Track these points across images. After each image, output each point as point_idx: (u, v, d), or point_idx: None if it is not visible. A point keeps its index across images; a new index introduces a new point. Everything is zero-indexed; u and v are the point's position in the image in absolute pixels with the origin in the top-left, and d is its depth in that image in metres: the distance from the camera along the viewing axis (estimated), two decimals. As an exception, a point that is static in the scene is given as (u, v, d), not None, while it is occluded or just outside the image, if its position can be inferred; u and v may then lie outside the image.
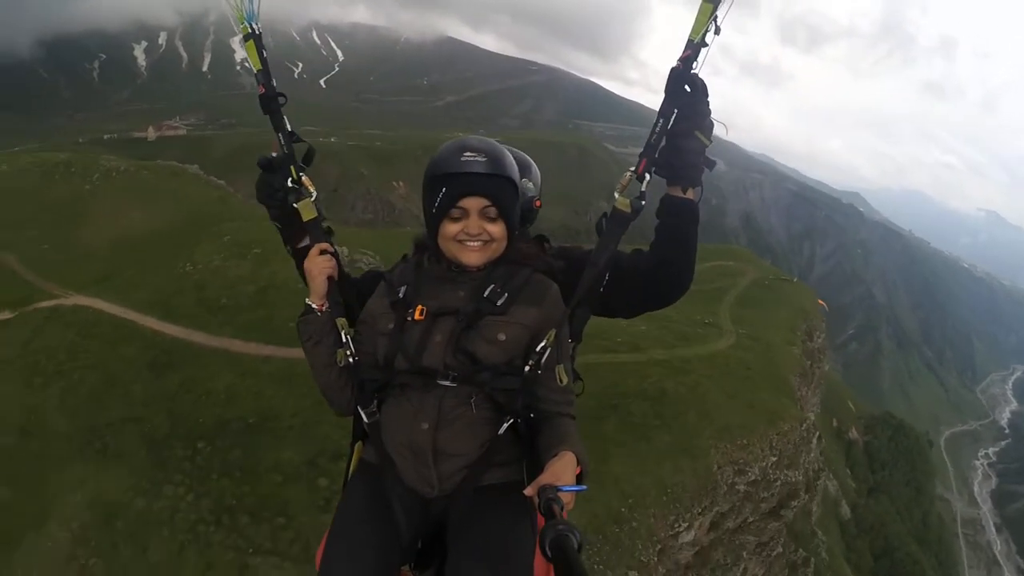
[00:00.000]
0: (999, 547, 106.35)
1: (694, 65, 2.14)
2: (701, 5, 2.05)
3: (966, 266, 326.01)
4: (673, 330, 27.24)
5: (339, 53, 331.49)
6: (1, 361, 24.24)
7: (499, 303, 2.29)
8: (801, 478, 21.62)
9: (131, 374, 22.30)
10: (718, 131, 2.24)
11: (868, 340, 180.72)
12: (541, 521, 1.91)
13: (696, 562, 18.60)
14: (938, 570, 64.33)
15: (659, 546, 15.97)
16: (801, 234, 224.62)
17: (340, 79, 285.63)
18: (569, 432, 2.22)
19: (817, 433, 25.91)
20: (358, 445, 2.59)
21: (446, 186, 2.27)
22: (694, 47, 2.12)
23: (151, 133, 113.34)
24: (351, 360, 2.42)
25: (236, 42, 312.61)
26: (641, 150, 2.29)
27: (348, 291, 2.58)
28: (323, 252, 2.53)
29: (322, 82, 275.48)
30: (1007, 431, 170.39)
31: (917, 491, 74.08)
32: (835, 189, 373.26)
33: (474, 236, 2.31)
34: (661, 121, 2.22)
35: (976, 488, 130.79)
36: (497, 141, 2.39)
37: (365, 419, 2.40)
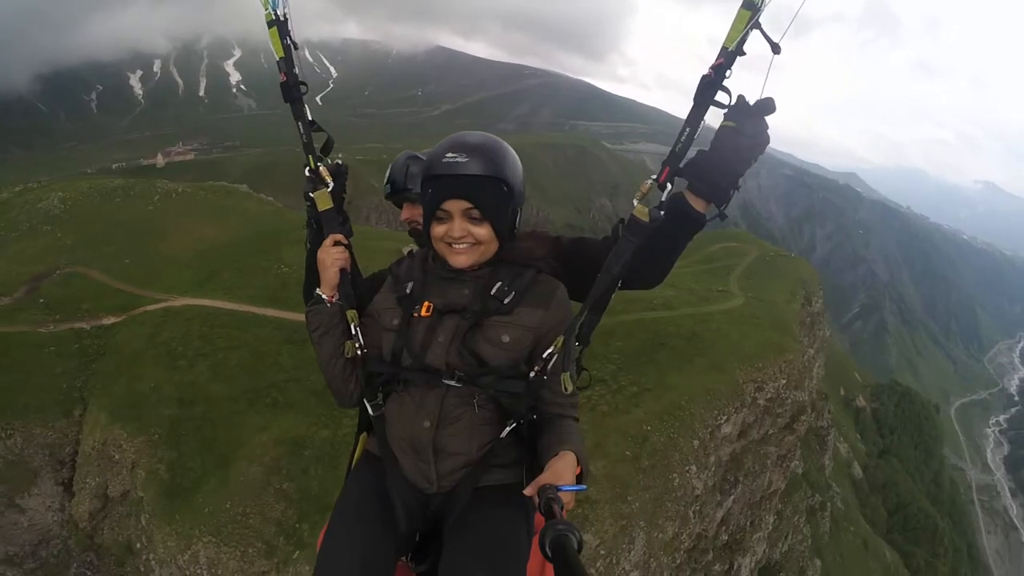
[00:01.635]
0: (1015, 511, 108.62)
1: (725, 75, 1.96)
2: (738, 11, 1.87)
3: (966, 238, 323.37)
4: (696, 295, 32.15)
5: (332, 70, 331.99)
6: (133, 352, 25.78)
7: (506, 301, 2.25)
8: (807, 398, 27.06)
9: (274, 348, 25.28)
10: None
11: (872, 318, 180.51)
12: (541, 520, 1.93)
13: (732, 466, 23.65)
14: (953, 530, 65.58)
15: (709, 430, 21.15)
16: (800, 217, 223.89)
17: (335, 95, 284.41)
18: (570, 432, 2.21)
19: (818, 363, 31.03)
20: (363, 436, 2.62)
21: (432, 188, 2.22)
22: (728, 55, 1.93)
23: (160, 160, 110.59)
24: (359, 353, 2.41)
25: (230, 64, 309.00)
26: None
27: (359, 284, 2.55)
28: (337, 243, 2.48)
29: (318, 99, 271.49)
30: (1016, 398, 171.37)
31: (927, 454, 75.63)
32: (831, 171, 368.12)
33: (458, 239, 2.24)
34: (688, 130, 2.02)
35: (989, 455, 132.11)
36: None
37: (371, 412, 2.43)
